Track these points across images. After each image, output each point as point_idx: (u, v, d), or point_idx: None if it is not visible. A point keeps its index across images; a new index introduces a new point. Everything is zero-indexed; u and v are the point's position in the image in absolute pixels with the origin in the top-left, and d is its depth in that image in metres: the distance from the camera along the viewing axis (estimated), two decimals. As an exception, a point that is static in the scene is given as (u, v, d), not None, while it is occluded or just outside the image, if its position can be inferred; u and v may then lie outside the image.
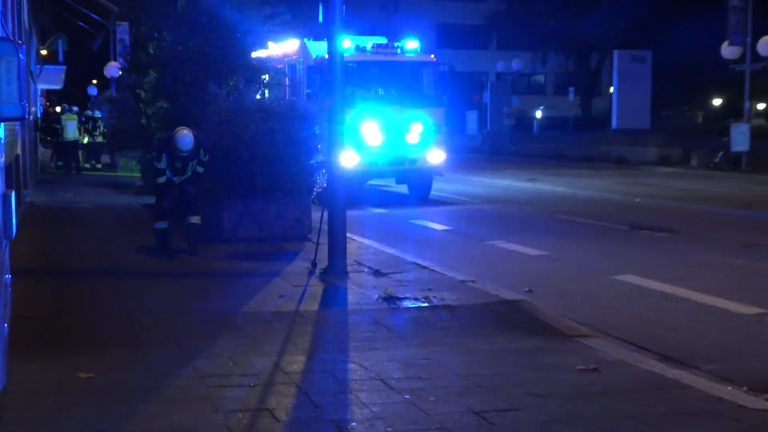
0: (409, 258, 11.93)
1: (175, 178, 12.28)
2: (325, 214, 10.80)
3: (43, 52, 34.50)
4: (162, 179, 12.23)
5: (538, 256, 12.95)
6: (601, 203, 20.54)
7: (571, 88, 50.63)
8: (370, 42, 20.63)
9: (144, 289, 9.98)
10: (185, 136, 12.03)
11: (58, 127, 29.86)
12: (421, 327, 8.26)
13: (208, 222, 13.10)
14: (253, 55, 16.73)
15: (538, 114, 53.78)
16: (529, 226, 16.58)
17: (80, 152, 31.20)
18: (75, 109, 32.13)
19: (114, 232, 14.82)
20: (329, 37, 10.54)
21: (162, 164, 12.18)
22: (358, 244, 13.23)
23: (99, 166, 31.12)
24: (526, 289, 10.32)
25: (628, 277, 11.24)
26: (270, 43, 17.65)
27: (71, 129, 29.59)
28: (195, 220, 12.36)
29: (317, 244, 11.28)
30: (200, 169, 12.34)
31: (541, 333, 8.03)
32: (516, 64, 49.82)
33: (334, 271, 10.50)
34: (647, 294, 10.29)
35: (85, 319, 8.46)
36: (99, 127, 30.37)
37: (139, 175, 24.02)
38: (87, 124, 30.97)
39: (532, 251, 13.35)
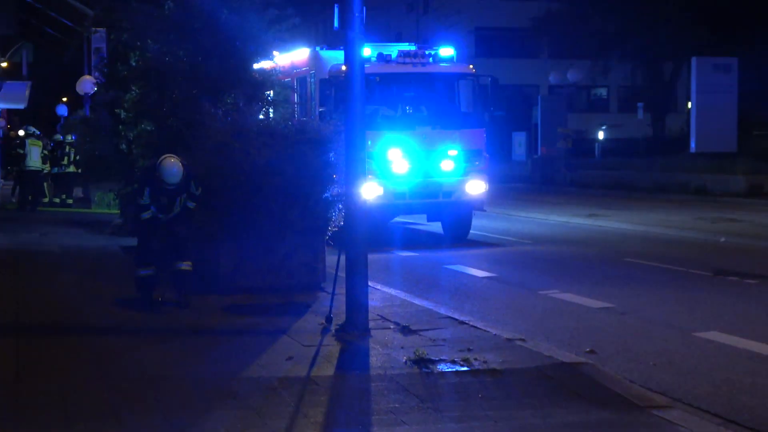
0: (444, 311, 11.90)
1: (161, 216, 12.32)
2: (343, 258, 10.81)
3: (4, 64, 34.96)
4: (146, 215, 12.28)
5: (602, 309, 12.88)
6: (678, 243, 20.42)
7: (639, 104, 50.53)
8: (395, 50, 20.75)
9: (124, 349, 10.00)
10: (172, 166, 12.09)
11: (22, 152, 30.11)
12: (459, 396, 8.22)
13: (201, 268, 13.14)
14: (256, 67, 16.86)
15: (600, 135, 53.64)
16: (590, 271, 16.50)
17: (46, 184, 31.44)
18: (37, 132, 32.42)
19: (88, 281, 14.89)
20: (346, 44, 10.61)
21: (145, 200, 12.23)
22: (383, 294, 13.22)
23: (70, 201, 31.35)
24: (588, 349, 10.26)
25: (712, 333, 11.15)
26: (275, 53, 17.79)
27: (36, 156, 29.83)
28: (185, 266, 12.39)
29: (333, 294, 11.29)
30: (191, 205, 12.40)
31: (607, 403, 7.97)
32: (572, 75, 49.81)
33: (354, 328, 10.49)
34: (735, 354, 10.19)
35: (53, 385, 8.47)
36: (69, 154, 30.61)
37: (117, 211, 24.18)
38: (55, 152, 31.20)
39: (594, 303, 13.28)
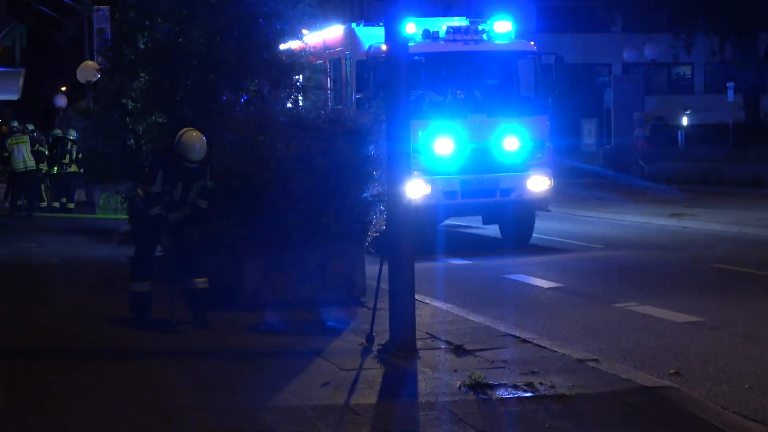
0: (503, 328, 11.89)
1: (171, 216, 12.30)
2: (385, 267, 10.83)
3: (-6, 49, 35.35)
4: (155, 210, 12.18)
5: (689, 324, 12.82)
6: (777, 246, 20.29)
7: (730, 84, 50.11)
8: (444, 25, 20.75)
9: (134, 375, 10.07)
10: (196, 140, 12.03)
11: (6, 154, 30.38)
12: (522, 426, 8.22)
13: (222, 281, 13.20)
14: (282, 47, 16.92)
15: (684, 121, 53.38)
16: (674, 280, 16.42)
17: (44, 186, 31.73)
18: (29, 127, 32.65)
19: (92, 297, 15.01)
20: (387, 19, 10.63)
21: (156, 186, 12.12)
22: (432, 309, 13.22)
23: (71, 205, 31.63)
24: (672, 370, 10.22)
25: (818, 352, 11.09)
26: (305, 31, 17.86)
27: (21, 156, 30.03)
28: (201, 283, 12.37)
29: (374, 309, 11.31)
30: (203, 203, 12.39)
31: (695, 433, 7.95)
32: (650, 52, 49.52)
33: (399, 348, 10.50)
34: None
35: (52, 417, 8.56)
36: (71, 151, 30.87)
37: (125, 217, 24.35)
38: (54, 149, 31.47)
39: (679, 316, 13.21)
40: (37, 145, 31.07)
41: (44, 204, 31.74)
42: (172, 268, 12.62)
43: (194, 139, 12.08)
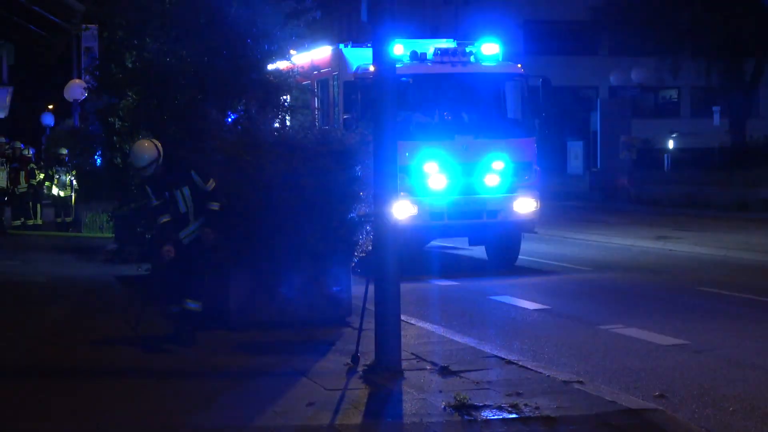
0: (488, 350, 11.89)
1: (182, 235, 12.37)
2: (371, 288, 10.83)
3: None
4: (163, 218, 12.33)
5: (674, 346, 12.83)
6: (762, 270, 20.28)
7: (715, 108, 50.37)
8: (431, 47, 20.81)
9: (117, 394, 10.05)
10: (139, 147, 12.41)
11: None
12: (507, 448, 8.22)
13: (208, 299, 13.18)
14: (270, 68, 16.94)
15: (670, 144, 53.54)
16: (660, 303, 16.44)
17: (30, 203, 31.95)
18: (16, 143, 33.06)
19: (77, 316, 14.96)
20: (375, 41, 10.66)
21: (152, 199, 12.38)
22: (418, 329, 13.21)
23: (32, 222, 31.81)
24: (657, 393, 10.23)
25: (803, 375, 11.10)
26: (293, 52, 17.90)
27: None
28: (195, 306, 12.44)
29: (360, 330, 11.31)
30: (214, 206, 12.46)
31: (680, 456, 7.95)
32: (637, 75, 49.75)
33: (384, 369, 10.50)
34: (832, 400, 10.14)
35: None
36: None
37: (111, 235, 24.31)
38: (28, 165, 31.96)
39: (664, 339, 13.23)
40: (31, 164, 31.59)
41: (31, 221, 31.86)
42: (164, 286, 12.63)
43: (134, 146, 12.60)
